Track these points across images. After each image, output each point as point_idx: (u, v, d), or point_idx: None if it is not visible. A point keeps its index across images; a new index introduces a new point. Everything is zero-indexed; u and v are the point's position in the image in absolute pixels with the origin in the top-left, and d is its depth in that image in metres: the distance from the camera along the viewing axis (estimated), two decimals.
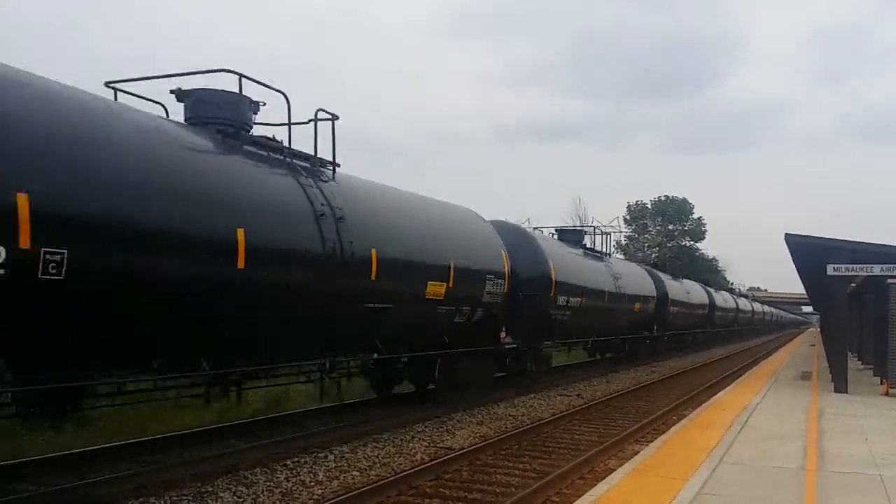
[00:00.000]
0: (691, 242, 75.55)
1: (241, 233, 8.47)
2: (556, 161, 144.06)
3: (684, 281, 39.74)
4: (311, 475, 8.81)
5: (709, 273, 69.70)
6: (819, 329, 65.75)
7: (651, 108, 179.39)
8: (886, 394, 15.98)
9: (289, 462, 9.33)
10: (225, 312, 8.69)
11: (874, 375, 19.63)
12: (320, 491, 8.18)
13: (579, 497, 6.99)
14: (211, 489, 7.97)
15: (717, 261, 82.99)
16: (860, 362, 26.24)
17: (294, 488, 8.23)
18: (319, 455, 9.81)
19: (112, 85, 9.40)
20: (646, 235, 72.51)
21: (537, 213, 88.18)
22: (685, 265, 62.14)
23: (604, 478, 7.97)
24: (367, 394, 15.02)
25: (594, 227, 25.44)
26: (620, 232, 64.96)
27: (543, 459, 10.14)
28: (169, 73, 9.90)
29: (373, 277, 11.00)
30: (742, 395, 15.30)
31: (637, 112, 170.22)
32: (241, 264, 8.44)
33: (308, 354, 10.86)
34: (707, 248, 79.15)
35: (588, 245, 24.45)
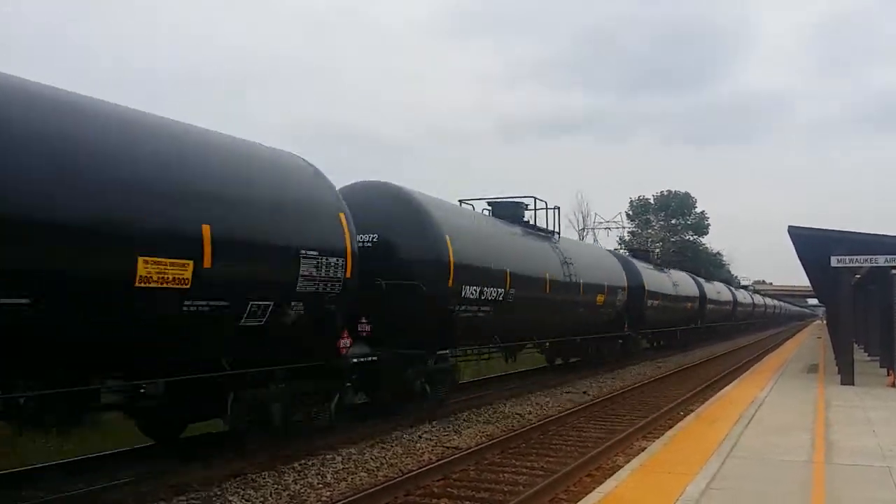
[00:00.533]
0: (695, 237, 75.50)
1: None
2: (558, 157, 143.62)
3: (670, 271, 35.58)
4: (319, 477, 8.82)
5: (713, 267, 69.66)
6: (825, 321, 66.29)
7: (654, 102, 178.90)
8: (893, 385, 15.96)
9: (296, 464, 9.34)
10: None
11: (881, 367, 19.61)
12: (328, 493, 8.19)
13: (587, 494, 6.99)
14: (219, 492, 7.99)
15: (721, 255, 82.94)
16: (866, 354, 26.21)
17: (302, 490, 8.24)
18: (327, 457, 9.81)
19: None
20: (649, 231, 72.50)
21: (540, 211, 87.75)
22: (689, 260, 62.10)
23: (612, 474, 7.98)
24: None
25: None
26: (623, 227, 65.12)
27: (551, 457, 10.15)
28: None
29: None
30: (749, 389, 15.28)
31: (639, 107, 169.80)
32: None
33: None
34: (711, 242, 79.15)
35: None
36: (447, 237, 12.80)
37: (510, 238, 16.70)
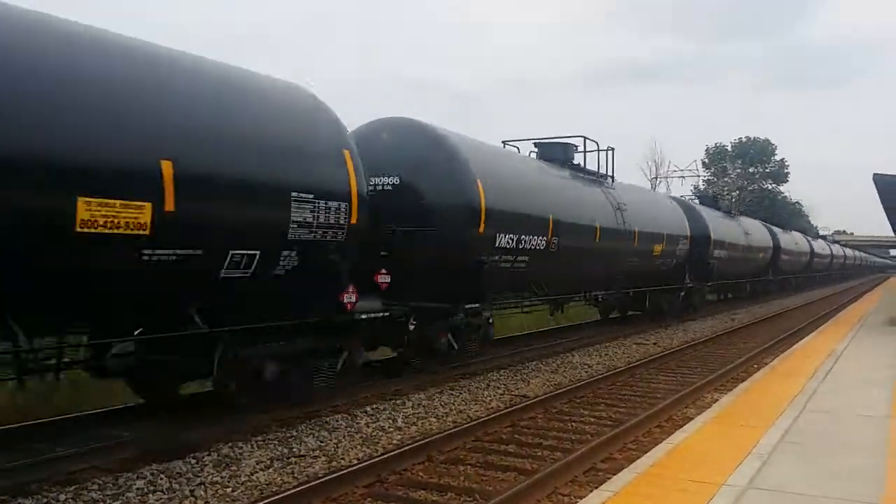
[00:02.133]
0: (773, 185, 73.13)
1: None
2: (637, 105, 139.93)
3: (741, 218, 33.59)
4: (391, 421, 9.05)
5: (791, 217, 67.51)
6: None
7: (743, 47, 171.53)
8: None
9: (368, 408, 9.60)
10: None
11: None
12: (399, 436, 8.41)
13: (657, 444, 6.99)
14: (296, 434, 8.28)
15: (800, 204, 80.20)
16: None
17: (374, 434, 8.47)
18: (398, 402, 10.04)
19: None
20: (725, 179, 70.53)
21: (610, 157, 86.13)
22: (765, 209, 60.30)
23: (682, 426, 7.94)
24: None
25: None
26: (698, 176, 63.46)
27: (619, 407, 10.15)
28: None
29: None
30: (825, 343, 14.89)
31: (727, 51, 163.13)
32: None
33: None
34: (790, 191, 76.59)
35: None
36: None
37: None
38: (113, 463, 7.08)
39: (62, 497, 6.15)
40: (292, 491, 6.20)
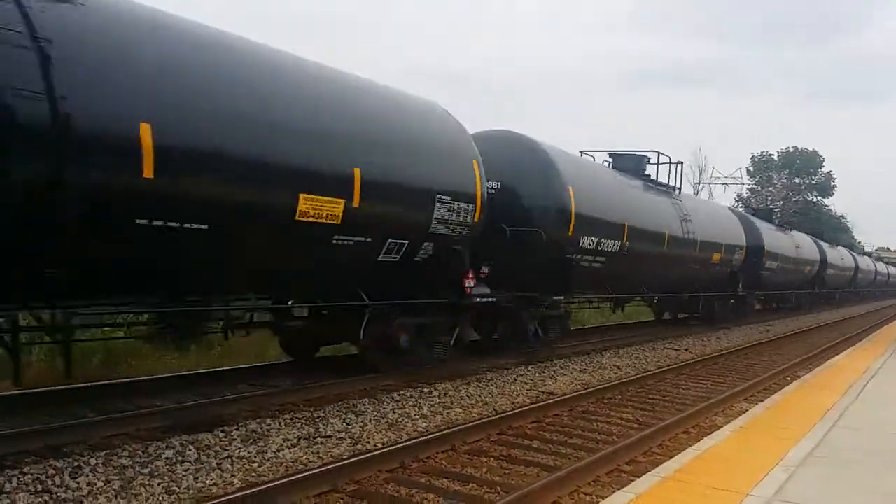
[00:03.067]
0: (818, 197, 71.79)
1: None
2: (680, 109, 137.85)
3: (792, 232, 34.49)
4: (417, 409, 9.10)
5: (835, 230, 66.27)
6: None
7: (792, 55, 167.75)
8: None
9: (395, 395, 9.67)
10: None
11: None
12: (424, 424, 8.46)
13: (683, 450, 6.94)
14: (323, 415, 8.38)
15: (844, 218, 78.66)
16: None
17: (400, 420, 8.54)
18: (425, 390, 10.10)
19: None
20: (770, 188, 69.40)
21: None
22: (810, 221, 59.26)
23: (709, 433, 7.87)
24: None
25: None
26: (742, 184, 62.53)
27: (646, 411, 10.08)
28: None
29: None
30: (862, 359, 14.62)
31: (775, 58, 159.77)
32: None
33: None
34: (835, 204, 75.17)
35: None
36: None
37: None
38: (144, 431, 7.24)
39: (92, 461, 6.31)
40: (317, 470, 6.28)
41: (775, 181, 70.71)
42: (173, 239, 7.02)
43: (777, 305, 34.60)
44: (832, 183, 71.80)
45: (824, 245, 40.02)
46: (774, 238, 28.70)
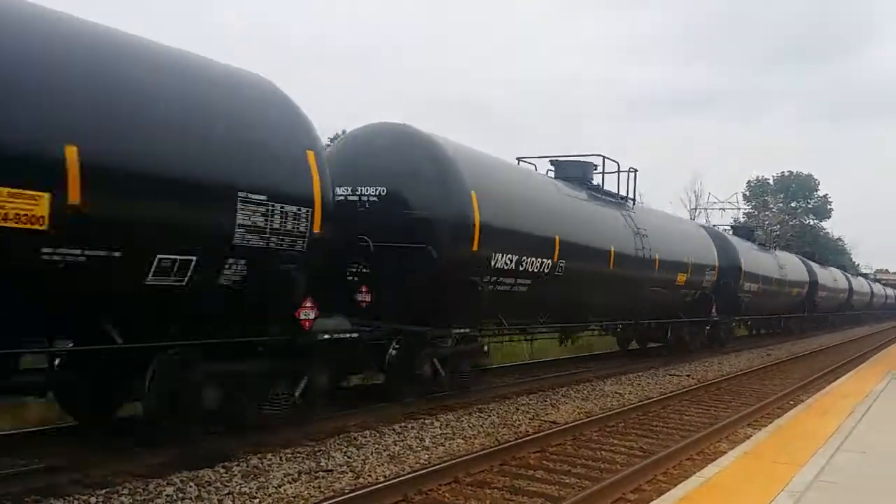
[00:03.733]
0: (815, 221, 72.02)
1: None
2: (676, 134, 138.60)
3: (777, 252, 33.29)
4: (419, 440, 9.04)
5: (833, 253, 66.36)
6: None
7: (786, 79, 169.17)
8: None
9: (397, 427, 9.61)
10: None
11: None
12: (426, 456, 8.39)
13: (687, 478, 6.89)
14: (324, 449, 8.32)
15: (842, 241, 78.81)
16: None
17: (402, 452, 8.47)
18: (426, 421, 10.04)
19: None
20: (766, 212, 69.59)
21: (650, 187, 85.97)
22: (807, 245, 59.37)
23: (713, 460, 7.82)
24: None
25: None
26: (738, 209, 62.68)
27: (650, 438, 10.02)
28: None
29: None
30: (863, 383, 14.57)
31: (769, 83, 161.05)
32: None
33: None
34: (833, 227, 75.36)
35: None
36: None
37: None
38: (144, 468, 7.17)
39: (93, 500, 6.25)
40: None
41: (771, 205, 70.92)
42: None
43: (764, 331, 33.09)
44: (828, 206, 72.15)
45: (814, 266, 38.42)
46: (754, 258, 26.64)
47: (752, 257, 26.24)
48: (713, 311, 22.03)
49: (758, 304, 27.11)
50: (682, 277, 19.22)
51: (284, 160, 7.99)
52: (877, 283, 69.43)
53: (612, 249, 15.27)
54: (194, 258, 6.96)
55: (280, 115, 8.24)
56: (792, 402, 13.27)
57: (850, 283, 49.33)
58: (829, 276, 42.31)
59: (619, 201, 17.08)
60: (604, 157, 16.90)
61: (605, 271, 15.05)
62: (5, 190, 5.48)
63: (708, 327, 22.41)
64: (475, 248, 10.82)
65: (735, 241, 25.67)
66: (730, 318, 24.54)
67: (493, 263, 11.32)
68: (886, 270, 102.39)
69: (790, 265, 32.58)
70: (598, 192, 16.38)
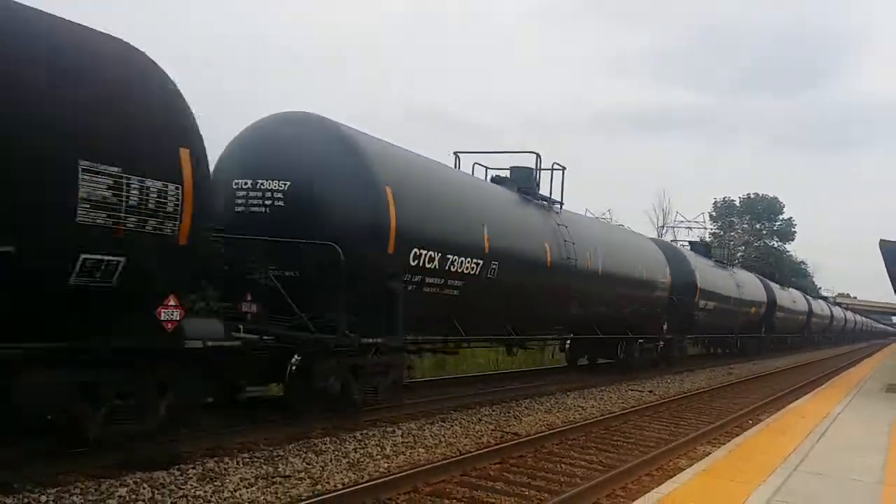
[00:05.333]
0: (780, 243, 73.19)
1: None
2: (648, 152, 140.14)
3: (735, 270, 32.86)
4: (379, 448, 8.97)
5: (795, 276, 67.42)
6: None
7: (757, 105, 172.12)
8: None
9: (358, 434, 9.53)
10: None
11: None
12: (387, 464, 8.33)
13: (645, 493, 6.91)
14: (282, 454, 8.22)
15: (805, 264, 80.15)
16: None
17: (361, 459, 8.40)
18: (388, 430, 9.97)
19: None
20: (732, 233, 70.62)
21: (620, 206, 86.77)
22: (771, 266, 60.26)
23: (672, 476, 7.85)
24: None
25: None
26: (705, 228, 63.49)
27: (610, 453, 10.06)
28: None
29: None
30: (821, 404, 14.78)
31: (740, 108, 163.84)
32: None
33: None
34: (796, 250, 76.61)
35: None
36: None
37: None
38: (97, 468, 7.02)
39: (43, 499, 6.10)
40: None
41: (737, 226, 71.99)
42: None
43: (720, 350, 32.29)
44: (793, 229, 73.36)
45: (773, 286, 37.76)
46: (710, 274, 25.84)
47: (707, 274, 25.59)
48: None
49: (713, 323, 26.43)
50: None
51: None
52: (836, 307, 70.20)
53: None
54: None
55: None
56: (751, 422, 13.41)
57: (809, 305, 48.63)
58: (789, 297, 41.43)
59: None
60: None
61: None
62: None
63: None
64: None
65: (691, 256, 24.89)
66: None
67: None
68: (847, 295, 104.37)
69: (748, 283, 32.16)
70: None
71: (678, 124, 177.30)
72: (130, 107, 6.62)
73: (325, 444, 8.87)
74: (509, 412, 12.43)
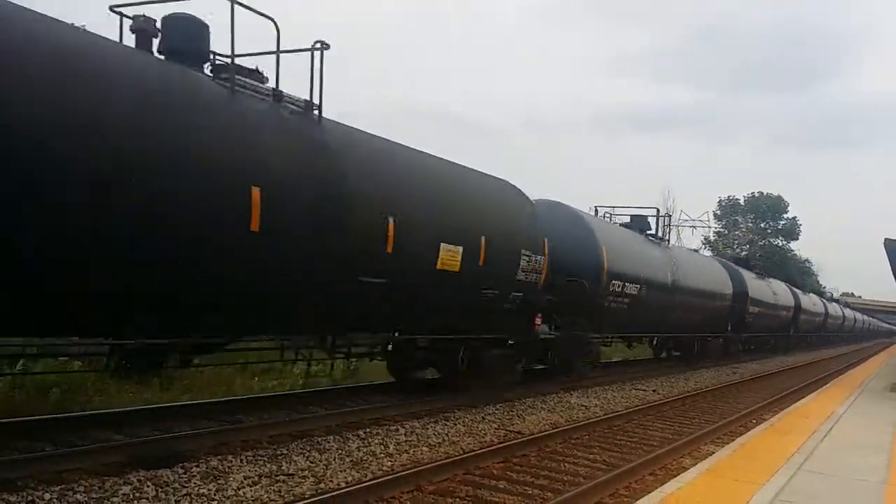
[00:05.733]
0: (784, 242, 72.98)
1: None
2: (651, 151, 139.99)
3: (769, 279, 36.59)
4: (382, 447, 8.98)
5: (801, 275, 67.25)
6: None
7: (758, 103, 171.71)
8: None
9: (361, 432, 9.54)
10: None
11: None
12: (390, 463, 8.34)
13: (648, 493, 6.91)
14: (286, 452, 8.23)
15: (810, 263, 79.93)
16: None
17: (365, 458, 8.41)
18: (391, 428, 9.98)
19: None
20: (736, 232, 70.44)
21: (624, 203, 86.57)
22: (776, 265, 60.12)
23: (676, 475, 7.84)
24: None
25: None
26: (709, 227, 63.36)
27: (614, 452, 10.05)
28: None
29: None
30: (826, 403, 14.74)
31: (741, 106, 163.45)
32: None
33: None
34: (801, 249, 76.43)
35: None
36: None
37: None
38: (101, 466, 7.05)
39: (47, 496, 6.11)
40: None
41: (741, 225, 71.80)
42: None
43: (753, 347, 35.91)
44: (797, 228, 73.14)
45: (798, 292, 43.05)
46: (755, 285, 31.29)
47: (754, 285, 31.22)
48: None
49: (758, 324, 32.29)
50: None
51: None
52: (847, 308, 71.29)
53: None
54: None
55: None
56: (755, 421, 13.38)
57: (825, 307, 53.68)
58: (810, 301, 47.13)
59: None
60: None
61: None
62: None
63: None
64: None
65: (743, 271, 30.67)
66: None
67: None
68: (852, 294, 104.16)
69: (780, 291, 37.81)
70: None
71: (679, 123, 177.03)
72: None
73: (329, 442, 8.88)
74: (513, 411, 12.42)
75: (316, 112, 9.17)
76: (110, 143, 6.63)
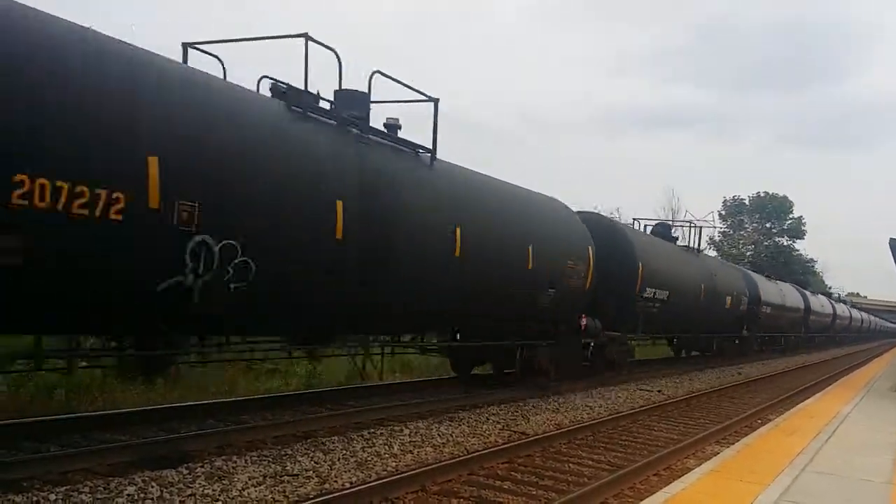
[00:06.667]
0: (790, 241, 72.82)
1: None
2: (654, 152, 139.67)
3: (779, 282, 38.30)
4: (387, 447, 8.98)
5: (806, 275, 67.11)
6: None
7: (764, 102, 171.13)
8: None
9: (365, 433, 9.54)
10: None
11: None
12: (394, 464, 8.34)
13: (653, 493, 6.90)
14: (290, 452, 8.24)
15: (814, 262, 79.76)
16: None
17: (369, 458, 8.41)
18: (395, 429, 9.98)
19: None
20: (741, 232, 70.31)
21: (628, 204, 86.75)
22: (781, 265, 59.99)
23: (680, 476, 7.83)
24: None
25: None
26: (714, 227, 63.21)
27: (618, 452, 10.04)
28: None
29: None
30: (832, 404, 14.71)
31: (747, 105, 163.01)
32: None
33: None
34: (806, 249, 76.25)
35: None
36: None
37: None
38: (106, 467, 7.06)
39: (52, 497, 6.13)
40: None
41: (746, 225, 71.67)
42: None
43: (763, 347, 36.85)
44: (802, 227, 72.98)
45: (807, 293, 44.59)
46: (767, 287, 33.71)
47: (766, 287, 33.58)
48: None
49: (769, 325, 34.67)
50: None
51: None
52: (854, 309, 71.04)
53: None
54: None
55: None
56: (760, 421, 13.36)
57: (833, 308, 54.49)
58: (819, 303, 48.33)
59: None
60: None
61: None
62: None
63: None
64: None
65: (755, 275, 33.51)
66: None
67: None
68: (857, 294, 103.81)
69: (789, 293, 39.77)
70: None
71: (682, 122, 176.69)
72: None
73: (333, 442, 8.89)
74: (517, 411, 12.42)
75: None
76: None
